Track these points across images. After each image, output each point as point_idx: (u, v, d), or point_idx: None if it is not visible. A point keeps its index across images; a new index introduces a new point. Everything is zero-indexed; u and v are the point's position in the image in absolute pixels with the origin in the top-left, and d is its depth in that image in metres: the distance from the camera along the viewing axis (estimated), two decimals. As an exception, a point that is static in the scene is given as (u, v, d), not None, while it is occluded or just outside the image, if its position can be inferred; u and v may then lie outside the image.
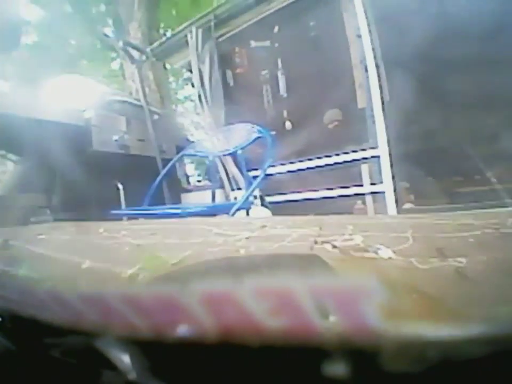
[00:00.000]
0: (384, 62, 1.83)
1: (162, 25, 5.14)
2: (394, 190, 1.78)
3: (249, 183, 1.58)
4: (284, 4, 2.13)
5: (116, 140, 2.17)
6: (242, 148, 1.54)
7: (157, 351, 0.18)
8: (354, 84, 1.97)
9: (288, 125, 2.32)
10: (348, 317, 0.14)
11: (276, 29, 2.36)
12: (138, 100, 2.45)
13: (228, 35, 2.39)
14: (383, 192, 1.84)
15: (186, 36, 2.44)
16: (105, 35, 2.69)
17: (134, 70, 2.99)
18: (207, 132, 2.27)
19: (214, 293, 0.15)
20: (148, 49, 2.83)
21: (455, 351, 0.14)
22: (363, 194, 1.93)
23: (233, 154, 1.91)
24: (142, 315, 0.16)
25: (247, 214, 1.34)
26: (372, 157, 1.88)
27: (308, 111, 2.18)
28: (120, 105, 2.34)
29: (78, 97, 2.11)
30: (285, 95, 2.40)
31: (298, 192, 2.16)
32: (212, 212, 1.38)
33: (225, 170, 2.33)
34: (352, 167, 1.96)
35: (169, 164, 1.74)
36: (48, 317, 0.20)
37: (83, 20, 4.94)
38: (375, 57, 1.84)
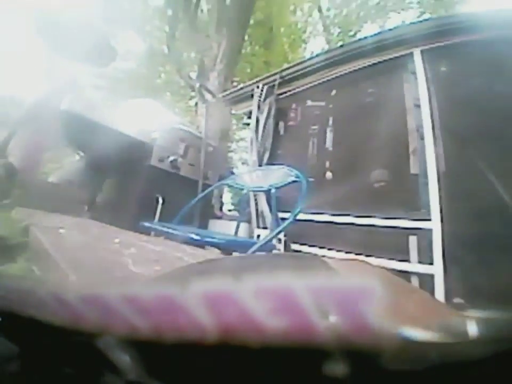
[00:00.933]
0: (442, 132, 1.80)
1: (238, 78, 5.99)
2: (445, 275, 1.50)
3: (277, 224, 1.56)
4: (346, 71, 2.32)
5: (171, 161, 2.50)
6: (277, 188, 1.56)
7: (157, 351, 0.17)
8: (408, 149, 1.92)
9: (328, 175, 2.35)
10: (347, 317, 0.14)
11: (334, 92, 2.53)
12: (200, 132, 2.89)
13: (288, 93, 2.69)
14: (432, 275, 1.56)
15: (253, 89, 2.80)
16: (189, 77, 3.27)
17: (204, 108, 3.44)
18: (250, 168, 2.44)
19: (214, 293, 0.15)
20: (220, 95, 3.28)
21: (454, 351, 0.14)
22: (406, 272, 1.64)
23: (266, 192, 1.96)
24: (142, 315, 0.16)
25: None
26: (422, 229, 1.67)
27: (351, 166, 2.18)
28: (183, 133, 2.73)
29: (150, 119, 2.53)
30: (330, 148, 2.45)
31: (328, 248, 2.03)
32: (230, 245, 1.36)
33: (256, 205, 2.39)
34: (397, 236, 1.75)
35: (207, 190, 1.90)
36: (48, 317, 0.20)
37: (175, 60, 6.01)
38: (433, 127, 1.82)
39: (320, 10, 7.98)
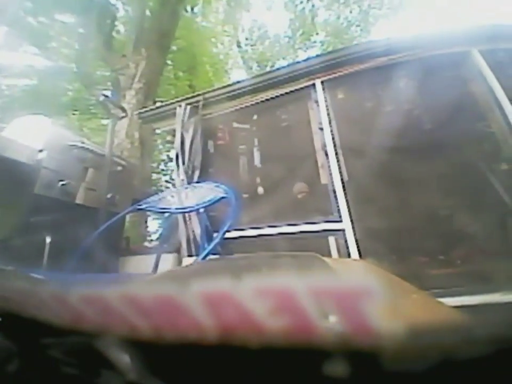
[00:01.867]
0: (342, 149, 2.24)
1: (162, 99, 5.84)
2: None
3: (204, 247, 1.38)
4: (262, 99, 2.62)
5: (62, 185, 1.95)
6: (204, 206, 1.43)
7: (157, 351, 0.18)
8: (317, 164, 2.32)
9: (260, 190, 2.53)
10: (347, 317, 0.14)
11: (255, 116, 2.78)
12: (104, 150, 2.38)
13: (213, 114, 2.79)
14: None
15: (175, 108, 2.78)
16: (103, 95, 2.92)
17: (123, 127, 3.15)
18: (175, 188, 2.22)
19: (214, 293, 0.15)
20: (136, 112, 3.09)
21: (454, 351, 0.14)
22: None
23: (194, 212, 1.84)
24: (142, 315, 0.16)
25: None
26: (338, 230, 1.98)
27: (278, 180, 2.44)
28: (81, 151, 2.21)
29: (36, 137, 1.98)
30: (259, 165, 2.66)
31: None
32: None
33: (186, 230, 2.19)
34: (320, 239, 2.03)
35: (111, 220, 1.49)
36: (48, 317, 0.20)
37: (84, 78, 5.41)
38: (334, 145, 2.26)
39: (239, 45, 8.78)
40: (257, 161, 2.77)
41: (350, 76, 2.38)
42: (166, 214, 1.60)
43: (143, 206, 1.58)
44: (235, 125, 2.87)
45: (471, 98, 2.19)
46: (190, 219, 2.20)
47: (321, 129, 2.33)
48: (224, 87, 2.75)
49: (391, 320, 0.14)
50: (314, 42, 8.80)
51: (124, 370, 0.18)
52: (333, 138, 2.26)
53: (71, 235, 1.55)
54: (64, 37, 5.96)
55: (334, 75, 2.41)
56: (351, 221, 1.97)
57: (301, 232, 2.08)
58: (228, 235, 2.05)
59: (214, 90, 2.80)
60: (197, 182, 2.24)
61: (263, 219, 2.21)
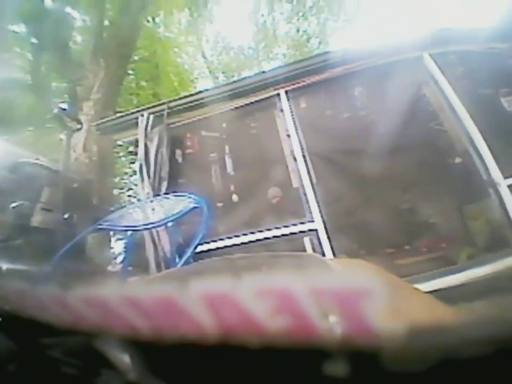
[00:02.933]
0: (309, 154, 2.37)
1: (123, 109, 5.58)
2: None
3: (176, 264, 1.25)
4: (230, 108, 2.66)
5: (14, 208, 1.78)
6: (173, 220, 1.29)
7: (157, 351, 0.18)
8: (288, 169, 2.41)
9: (235, 197, 2.51)
10: (347, 317, 0.14)
11: (224, 125, 2.80)
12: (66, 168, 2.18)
13: (180, 123, 2.74)
14: None
15: (137, 118, 2.67)
16: (60, 107, 2.70)
17: (80, 140, 2.94)
18: (140, 202, 2.05)
19: (214, 293, 0.15)
20: (95, 123, 2.92)
21: (454, 351, 0.14)
22: None
23: (162, 227, 1.67)
24: (141, 315, 0.16)
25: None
26: (311, 230, 2.08)
27: (252, 187, 2.47)
28: (35, 169, 2.04)
29: None
30: (232, 173, 2.67)
31: None
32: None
33: (155, 248, 2.00)
34: (296, 240, 2.11)
35: (70, 243, 1.34)
36: (48, 317, 0.20)
37: (39, 90, 4.99)
38: (302, 151, 2.38)
39: (204, 55, 8.83)
40: (229, 168, 2.76)
41: (311, 85, 2.55)
42: (130, 232, 1.43)
43: (104, 225, 1.42)
44: (204, 133, 2.84)
45: (424, 100, 2.45)
46: (158, 235, 2.02)
47: (289, 136, 2.44)
48: (191, 95, 2.74)
49: (391, 320, 0.13)
50: (277, 54, 9.20)
51: (124, 370, 0.18)
52: (300, 144, 2.39)
53: (28, 261, 1.43)
54: (17, 48, 5.48)
55: (296, 85, 2.55)
56: (323, 221, 2.08)
57: (278, 236, 2.13)
58: (204, 247, 2.04)
59: (180, 98, 2.78)
60: (165, 194, 2.11)
61: (240, 227, 2.22)
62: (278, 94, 2.57)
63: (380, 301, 0.13)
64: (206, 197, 1.31)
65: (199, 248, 1.99)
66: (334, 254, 1.97)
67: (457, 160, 2.21)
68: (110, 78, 4.72)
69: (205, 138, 2.80)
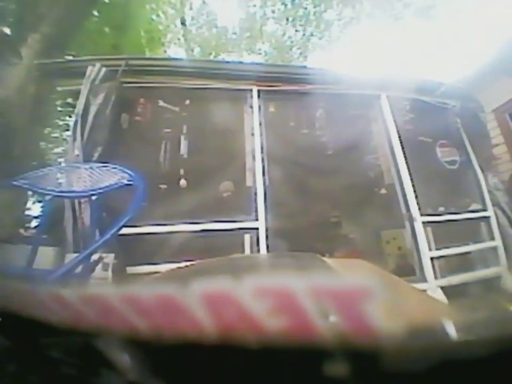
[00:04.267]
0: (268, 158, 2.46)
1: (74, 53, 4.62)
2: None
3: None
4: (199, 86, 2.52)
5: None
6: (100, 193, 1.18)
7: (157, 351, 0.17)
8: (245, 166, 2.44)
9: (183, 182, 2.39)
10: (347, 317, 0.14)
11: (187, 102, 2.64)
12: None
13: (136, 85, 2.44)
14: None
15: (86, 67, 2.29)
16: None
17: (14, 77, 2.36)
18: (66, 166, 1.80)
19: (214, 293, 0.15)
20: (36, 62, 2.40)
21: (454, 351, 0.14)
22: None
23: (86, 198, 1.52)
24: (141, 315, 0.16)
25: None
26: (253, 228, 2.17)
27: (205, 176, 2.39)
28: None
29: None
30: (185, 156, 2.53)
31: (177, 261, 1.83)
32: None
33: (74, 219, 1.79)
34: (238, 236, 2.17)
35: None
36: (48, 317, 0.20)
37: None
38: (262, 152, 2.44)
39: (183, 22, 8.09)
40: (183, 150, 2.61)
41: (283, 93, 2.65)
42: (49, 197, 1.31)
43: (21, 183, 1.26)
44: (161, 103, 2.59)
45: (369, 134, 2.81)
46: (80, 206, 1.78)
47: (253, 134, 2.48)
48: (157, 58, 2.50)
49: (390, 320, 0.13)
50: (260, 50, 9.13)
51: (124, 370, 0.18)
52: (262, 146, 2.46)
53: None
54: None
55: (270, 87, 2.61)
56: (266, 221, 2.20)
57: (220, 230, 2.14)
58: (137, 230, 1.89)
59: (143, 58, 2.50)
60: (101, 162, 1.91)
61: (182, 214, 2.13)
62: (251, 90, 2.58)
63: (380, 301, 0.13)
64: (144, 175, 1.21)
65: (131, 231, 1.86)
66: (267, 251, 2.12)
67: (383, 191, 2.63)
68: (69, 12, 3.86)
69: (161, 110, 2.57)
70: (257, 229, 2.16)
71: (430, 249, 2.28)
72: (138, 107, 2.47)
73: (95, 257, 1.41)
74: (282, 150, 2.50)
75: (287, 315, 0.15)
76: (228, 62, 2.58)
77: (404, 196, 2.45)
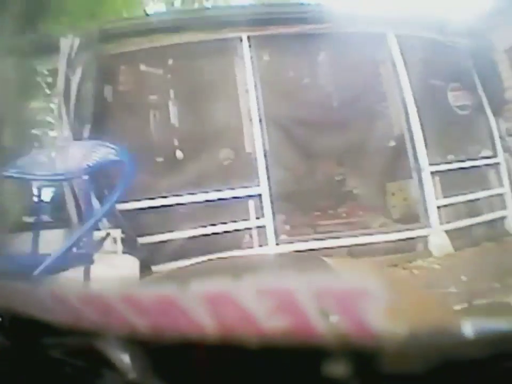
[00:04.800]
0: (267, 118, 2.29)
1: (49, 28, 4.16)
2: (274, 223, 2.13)
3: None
4: (182, 42, 2.29)
5: None
6: (89, 171, 1.18)
7: (157, 351, 0.18)
8: (243, 130, 2.33)
9: (179, 154, 2.34)
10: (348, 317, 0.14)
11: (171, 61, 2.46)
12: None
13: (114, 52, 2.25)
14: (264, 226, 2.15)
15: (58, 40, 2.11)
16: None
17: None
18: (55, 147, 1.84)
19: (214, 293, 0.15)
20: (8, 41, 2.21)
21: (454, 352, 0.14)
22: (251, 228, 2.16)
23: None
24: (142, 315, 0.16)
25: (87, 271, 0.96)
26: (256, 194, 2.20)
27: (201, 145, 2.31)
28: None
29: None
30: (177, 124, 2.46)
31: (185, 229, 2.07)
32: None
33: (76, 200, 1.83)
34: (242, 202, 2.20)
35: None
36: (48, 317, 0.21)
37: None
38: (259, 112, 2.28)
39: None
40: (174, 118, 2.53)
41: (277, 37, 2.37)
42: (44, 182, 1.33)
43: (11, 172, 1.24)
44: (144, 68, 2.45)
45: (378, 79, 2.59)
46: (76, 187, 1.80)
47: (247, 91, 2.31)
48: (132, 18, 2.26)
49: (391, 321, 0.14)
50: None
51: (124, 370, 0.19)
52: (258, 105, 2.29)
53: None
54: None
55: (261, 32, 2.33)
56: (269, 187, 2.21)
57: (224, 198, 2.17)
58: (142, 204, 1.96)
59: (118, 21, 2.28)
60: (91, 140, 1.88)
61: (185, 186, 2.15)
62: (240, 38, 2.33)
63: (380, 301, 0.14)
64: (134, 149, 1.25)
65: (137, 205, 1.96)
66: (273, 217, 2.16)
67: (392, 143, 2.55)
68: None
69: (145, 75, 2.44)
70: (260, 195, 2.18)
71: (436, 198, 2.33)
72: (120, 76, 2.34)
73: (102, 234, 1.50)
74: (281, 108, 2.36)
75: (288, 315, 0.15)
76: (209, 9, 2.32)
77: (413, 146, 2.37)
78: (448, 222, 2.29)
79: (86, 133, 1.99)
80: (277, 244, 2.10)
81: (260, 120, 2.28)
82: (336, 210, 2.56)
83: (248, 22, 2.27)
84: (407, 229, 2.25)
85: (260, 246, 2.10)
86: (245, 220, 2.15)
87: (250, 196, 2.20)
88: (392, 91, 2.54)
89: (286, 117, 2.36)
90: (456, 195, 2.34)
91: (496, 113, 2.64)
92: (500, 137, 2.66)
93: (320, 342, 0.15)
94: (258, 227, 2.16)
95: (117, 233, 1.65)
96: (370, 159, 2.52)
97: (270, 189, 2.20)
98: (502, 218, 2.53)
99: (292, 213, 2.38)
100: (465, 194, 2.37)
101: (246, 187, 2.20)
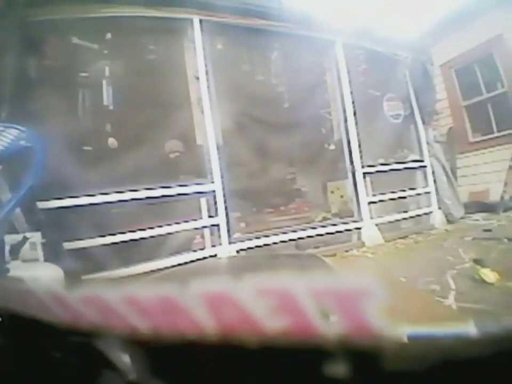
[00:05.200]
0: (220, 110, 2.20)
1: None
2: (227, 222, 2.07)
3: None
4: (123, 14, 2.03)
5: None
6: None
7: (157, 351, 0.18)
8: (193, 120, 2.19)
9: (112, 141, 2.10)
10: (348, 317, 0.14)
11: (109, 35, 2.21)
12: None
13: (42, 18, 1.87)
14: (218, 224, 2.07)
15: None
16: None
17: None
18: None
19: (214, 293, 0.16)
20: None
21: (454, 351, 0.15)
22: (203, 227, 2.05)
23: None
24: (142, 315, 0.16)
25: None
26: (209, 191, 2.11)
27: (142, 133, 2.08)
28: None
29: None
30: (111, 107, 2.21)
31: (124, 232, 1.81)
32: None
33: None
34: (192, 200, 2.08)
35: None
36: (48, 317, 0.20)
37: None
38: (211, 103, 2.15)
39: None
40: (107, 99, 2.27)
41: (232, 27, 2.31)
42: None
43: None
44: (76, 41, 2.15)
45: (324, 86, 2.84)
46: None
47: (198, 78, 2.17)
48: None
49: (390, 321, 0.14)
50: None
51: (124, 370, 0.19)
52: (210, 94, 2.16)
53: None
54: None
55: (215, 18, 2.22)
56: (223, 183, 2.13)
57: (171, 195, 2.02)
58: (68, 202, 1.65)
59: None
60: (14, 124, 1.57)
61: (118, 180, 1.88)
62: (191, 21, 2.19)
63: (380, 301, 0.14)
64: (52, 136, 1.14)
65: (60, 203, 1.65)
66: (226, 214, 2.11)
67: (332, 147, 2.89)
68: None
69: (77, 49, 2.12)
70: (213, 191, 2.10)
71: (367, 196, 2.71)
72: (47, 48, 1.99)
73: (18, 238, 1.26)
74: (235, 101, 2.32)
75: (287, 315, 0.15)
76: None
77: (349, 150, 2.69)
78: (378, 217, 2.68)
79: (4, 114, 1.64)
80: (230, 243, 2.07)
81: (213, 111, 2.16)
82: (287, 206, 2.79)
83: (202, 4, 2.16)
84: (343, 223, 2.57)
85: (213, 246, 2.04)
86: (196, 219, 2.04)
87: (201, 193, 2.09)
88: (335, 98, 2.80)
89: (240, 111, 2.35)
90: (385, 193, 2.75)
91: (425, 122, 3.14)
92: (428, 143, 3.17)
93: (320, 342, 0.15)
94: (211, 226, 2.08)
95: (37, 237, 1.40)
96: (316, 160, 2.83)
97: (224, 185, 2.13)
98: (428, 213, 3.06)
99: (247, 211, 2.43)
100: (394, 192, 2.82)
101: (198, 184, 2.08)
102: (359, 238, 2.59)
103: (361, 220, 2.63)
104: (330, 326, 0.15)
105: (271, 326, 0.15)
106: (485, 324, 0.18)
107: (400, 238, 2.62)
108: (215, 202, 2.10)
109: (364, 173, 2.71)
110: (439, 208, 3.05)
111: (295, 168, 3.00)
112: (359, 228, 2.61)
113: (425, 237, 2.65)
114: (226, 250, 2.01)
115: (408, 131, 3.15)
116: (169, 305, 0.16)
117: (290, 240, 2.29)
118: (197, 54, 2.17)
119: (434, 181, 3.11)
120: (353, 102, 2.71)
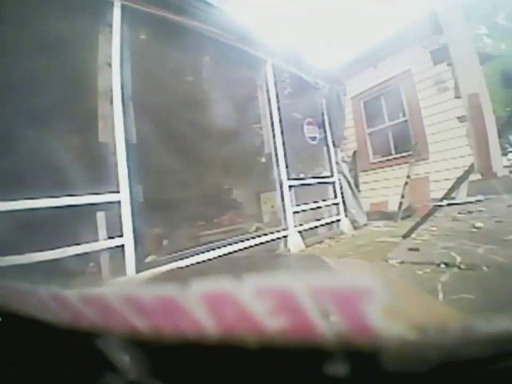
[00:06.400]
0: (134, 103, 1.64)
1: None
2: (136, 243, 1.39)
3: None
4: None
5: None
6: None
7: (157, 351, 0.14)
8: (97, 113, 1.52)
9: None
10: (348, 318, 0.12)
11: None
12: None
13: None
14: (123, 245, 1.39)
15: None
16: None
17: None
18: None
19: (214, 293, 0.12)
20: None
21: (454, 351, 0.12)
22: (98, 251, 1.34)
23: None
24: (142, 315, 0.12)
25: None
26: (111, 202, 1.40)
27: (18, 123, 1.27)
28: None
29: None
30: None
31: None
32: None
33: None
34: (85, 216, 1.35)
35: None
36: (48, 317, 0.16)
37: None
38: (123, 94, 1.58)
39: None
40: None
41: (160, 19, 1.81)
42: None
43: None
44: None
45: (255, 102, 2.49)
46: None
47: (110, 65, 1.58)
48: None
49: (390, 321, 0.12)
50: None
51: (124, 370, 0.14)
52: (122, 83, 1.58)
53: None
54: None
55: (140, 6, 1.67)
56: (130, 192, 1.49)
57: (54, 207, 1.23)
58: None
59: None
60: None
61: None
62: (112, 3, 1.58)
63: (380, 301, 0.12)
64: None
65: None
66: (134, 229, 1.43)
67: (263, 159, 2.75)
68: None
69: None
70: (118, 202, 1.42)
71: (292, 206, 2.62)
72: None
73: None
74: (155, 98, 1.61)
75: (287, 315, 0.13)
76: None
77: (278, 164, 2.66)
78: (300, 225, 2.64)
79: None
80: (138, 271, 1.40)
81: (124, 103, 1.55)
82: (221, 218, 2.41)
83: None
84: (272, 232, 2.40)
85: (114, 276, 1.34)
86: (93, 241, 1.31)
87: (100, 204, 1.36)
88: (265, 115, 2.63)
89: (162, 109, 1.60)
90: (305, 203, 2.73)
91: (335, 145, 3.41)
92: (337, 162, 3.39)
93: (320, 342, 0.13)
94: (111, 249, 1.35)
95: None
96: (250, 172, 2.53)
97: (132, 195, 1.46)
98: (338, 221, 3.16)
99: (172, 225, 1.89)
100: (312, 203, 2.80)
101: (94, 193, 1.35)
102: (285, 245, 2.45)
103: (287, 228, 2.51)
104: (330, 326, 0.12)
105: (271, 326, 0.13)
106: (484, 323, 0.14)
107: (317, 243, 2.63)
108: (120, 216, 1.43)
109: (290, 186, 2.66)
110: (346, 216, 3.17)
111: (231, 179, 2.61)
112: (286, 236, 2.47)
113: (336, 241, 2.69)
114: (132, 278, 1.22)
115: (322, 151, 3.39)
116: (169, 305, 0.13)
117: (223, 255, 1.84)
118: (113, 37, 1.59)
119: (342, 194, 3.35)
120: (280, 121, 2.74)
